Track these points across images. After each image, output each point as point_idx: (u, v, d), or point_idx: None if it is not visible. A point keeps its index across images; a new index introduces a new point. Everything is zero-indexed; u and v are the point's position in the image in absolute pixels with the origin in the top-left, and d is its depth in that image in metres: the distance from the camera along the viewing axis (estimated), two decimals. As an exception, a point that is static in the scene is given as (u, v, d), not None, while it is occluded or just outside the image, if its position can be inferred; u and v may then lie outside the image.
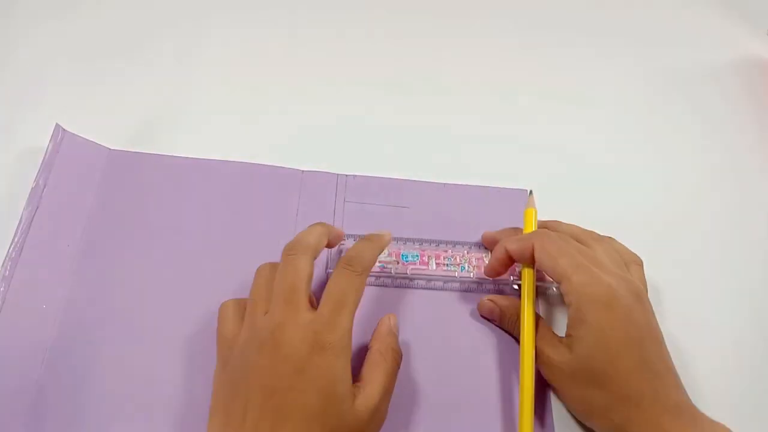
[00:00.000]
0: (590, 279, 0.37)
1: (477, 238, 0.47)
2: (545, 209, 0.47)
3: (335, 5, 0.61)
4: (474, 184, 0.49)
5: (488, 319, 0.43)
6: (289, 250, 0.37)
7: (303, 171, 0.48)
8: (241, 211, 0.46)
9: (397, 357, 0.38)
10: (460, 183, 0.49)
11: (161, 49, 0.55)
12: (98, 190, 0.46)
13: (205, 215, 0.46)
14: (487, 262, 0.44)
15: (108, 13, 0.57)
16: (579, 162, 0.52)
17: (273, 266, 0.39)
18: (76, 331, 0.41)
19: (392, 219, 0.47)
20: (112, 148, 0.48)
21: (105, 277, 0.43)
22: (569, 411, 0.40)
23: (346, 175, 0.48)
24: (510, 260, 0.42)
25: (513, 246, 0.41)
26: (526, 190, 0.49)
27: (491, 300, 0.43)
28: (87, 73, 0.53)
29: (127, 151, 0.48)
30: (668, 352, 0.38)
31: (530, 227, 0.43)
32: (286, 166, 0.48)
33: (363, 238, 0.40)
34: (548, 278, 0.44)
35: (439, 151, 0.52)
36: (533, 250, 0.40)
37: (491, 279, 0.44)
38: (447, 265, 0.45)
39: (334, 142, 0.51)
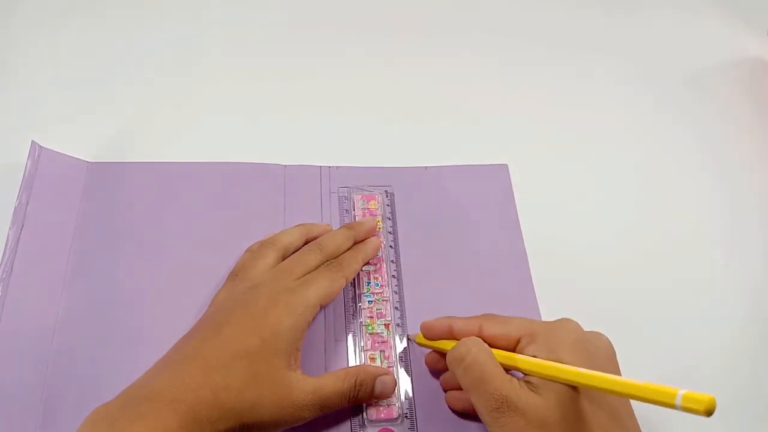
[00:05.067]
0: (554, 327, 0.35)
1: (461, 217, 0.48)
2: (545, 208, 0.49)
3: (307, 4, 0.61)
4: (454, 164, 0.50)
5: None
6: (262, 244, 0.42)
7: (285, 165, 0.49)
8: (228, 211, 0.46)
9: (353, 391, 0.37)
10: (440, 165, 0.50)
11: (130, 58, 0.55)
12: (81, 203, 0.46)
13: (191, 218, 0.46)
14: None
15: (77, 27, 0.57)
16: (575, 160, 0.53)
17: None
18: (76, 346, 0.40)
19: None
20: (89, 161, 0.48)
21: (98, 290, 0.42)
22: None
23: (329, 167, 0.49)
24: (449, 334, 0.38)
25: (457, 323, 0.38)
26: (505, 165, 0.51)
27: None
28: (58, 87, 0.53)
29: (106, 163, 0.48)
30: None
31: None
32: (268, 162, 0.49)
33: (359, 246, 0.43)
34: None
35: (418, 136, 0.53)
36: (480, 327, 0.37)
37: None
38: None
39: (312, 136, 0.52)
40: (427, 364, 0.41)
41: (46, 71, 0.54)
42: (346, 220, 0.47)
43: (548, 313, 0.44)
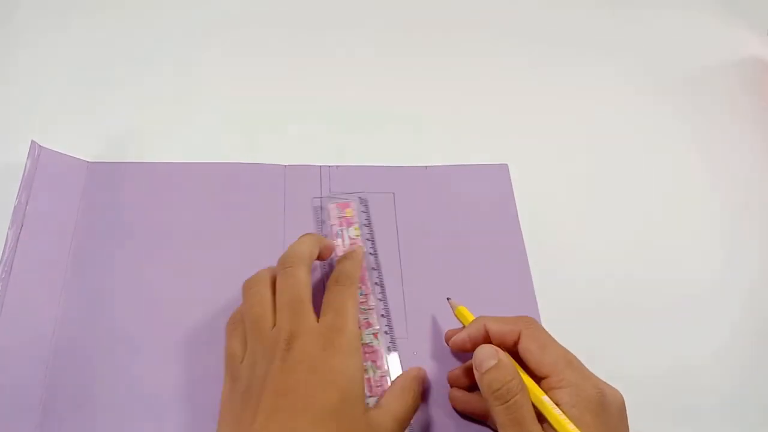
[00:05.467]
0: (582, 378, 0.35)
1: (461, 217, 0.48)
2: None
3: (308, 4, 0.61)
4: (453, 163, 0.50)
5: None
6: (285, 263, 0.38)
7: (285, 165, 0.49)
8: (227, 211, 0.46)
9: (416, 400, 0.38)
10: (440, 164, 0.50)
11: (130, 58, 0.55)
12: (81, 203, 0.46)
13: (190, 219, 0.46)
14: None
15: (76, 27, 0.57)
16: (575, 159, 0.53)
17: (260, 281, 0.39)
18: (74, 346, 0.40)
19: (379, 206, 0.48)
20: (89, 161, 0.48)
21: (97, 290, 0.42)
22: None
23: (329, 166, 0.49)
24: (484, 341, 0.38)
25: (495, 326, 0.38)
26: (505, 165, 0.51)
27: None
28: (58, 87, 0.53)
29: (106, 162, 0.48)
30: None
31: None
32: (267, 162, 0.49)
33: (342, 257, 0.42)
34: None
35: (417, 135, 0.53)
36: (519, 336, 0.37)
37: None
38: None
39: (313, 135, 0.52)
40: (449, 380, 0.41)
41: (46, 71, 0.54)
42: (323, 233, 0.46)
43: (548, 312, 0.44)
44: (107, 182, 0.47)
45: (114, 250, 0.44)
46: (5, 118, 0.50)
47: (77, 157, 0.47)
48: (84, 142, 0.49)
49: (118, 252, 0.44)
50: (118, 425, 0.38)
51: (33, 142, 0.45)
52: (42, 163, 0.45)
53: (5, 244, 0.42)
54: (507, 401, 0.33)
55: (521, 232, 0.47)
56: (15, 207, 0.43)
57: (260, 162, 0.49)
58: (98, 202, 0.46)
